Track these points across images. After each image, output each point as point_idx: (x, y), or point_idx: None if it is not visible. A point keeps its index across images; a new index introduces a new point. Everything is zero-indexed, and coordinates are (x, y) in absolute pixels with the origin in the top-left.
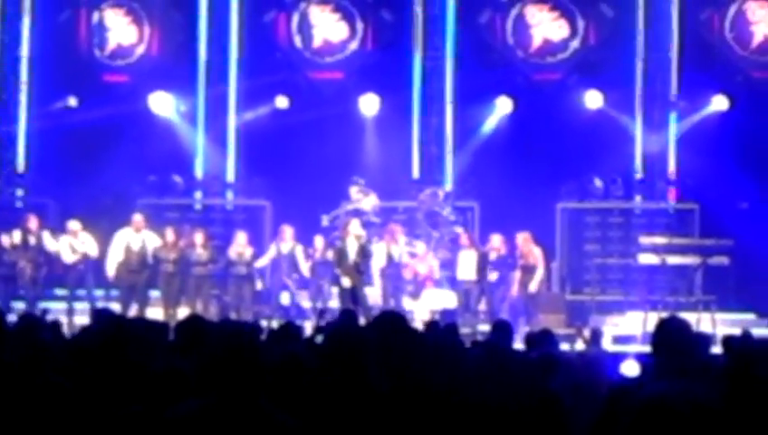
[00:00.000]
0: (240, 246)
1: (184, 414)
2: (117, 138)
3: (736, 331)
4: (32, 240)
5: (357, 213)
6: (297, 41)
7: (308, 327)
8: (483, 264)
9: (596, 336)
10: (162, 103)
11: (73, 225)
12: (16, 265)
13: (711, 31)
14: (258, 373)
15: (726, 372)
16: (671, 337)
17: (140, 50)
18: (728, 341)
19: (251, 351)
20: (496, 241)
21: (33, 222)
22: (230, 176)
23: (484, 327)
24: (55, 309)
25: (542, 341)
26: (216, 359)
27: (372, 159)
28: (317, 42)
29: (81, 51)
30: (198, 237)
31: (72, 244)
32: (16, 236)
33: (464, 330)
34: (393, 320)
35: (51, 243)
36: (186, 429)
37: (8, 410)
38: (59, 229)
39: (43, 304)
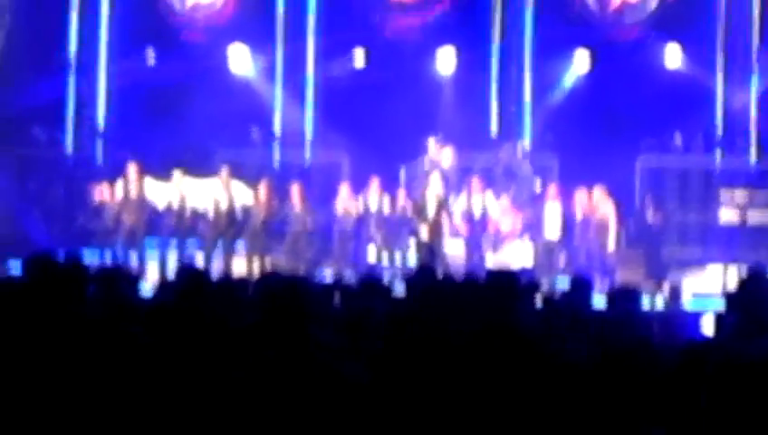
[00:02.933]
0: (345, 200)
1: (247, 372)
2: (195, 94)
3: None
4: (132, 191)
5: (435, 166)
6: None
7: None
8: (568, 220)
9: (675, 293)
10: (240, 59)
11: (177, 175)
12: (119, 217)
13: None
14: (308, 326)
15: None
16: (754, 293)
17: (218, 4)
18: None
19: (309, 304)
20: (581, 197)
21: (133, 170)
22: (308, 131)
23: (563, 284)
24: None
25: (624, 298)
26: (268, 312)
27: (450, 116)
28: None
29: (159, 7)
30: (294, 193)
31: (180, 195)
32: (118, 186)
33: (542, 287)
34: (507, 279)
35: (154, 191)
36: (249, 384)
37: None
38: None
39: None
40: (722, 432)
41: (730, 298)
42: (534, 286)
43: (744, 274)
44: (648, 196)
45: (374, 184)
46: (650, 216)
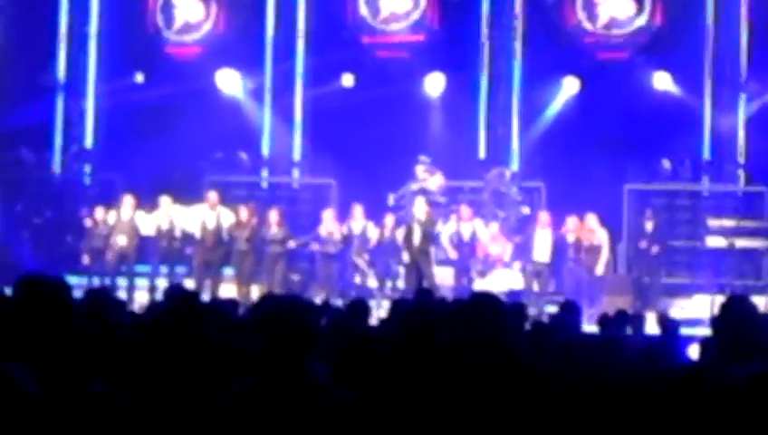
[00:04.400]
0: (330, 223)
1: (239, 391)
2: (183, 115)
3: None
4: (124, 217)
5: (423, 192)
6: (364, 13)
7: (375, 306)
8: (558, 245)
9: (666, 319)
10: (229, 80)
11: (165, 200)
12: (109, 241)
13: None
14: (308, 349)
15: None
16: (736, 318)
17: (207, 27)
18: None
19: (300, 327)
20: (571, 223)
21: (127, 201)
22: (296, 154)
23: (552, 308)
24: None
25: (615, 323)
26: (269, 334)
27: (438, 139)
28: (382, 16)
29: (148, 28)
30: (273, 215)
31: (169, 219)
32: (110, 213)
33: (530, 312)
34: (490, 302)
35: (144, 221)
36: (242, 404)
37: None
38: (150, 206)
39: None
40: None
41: (714, 323)
42: (520, 308)
43: (725, 298)
44: (649, 223)
45: (357, 210)
46: (645, 243)
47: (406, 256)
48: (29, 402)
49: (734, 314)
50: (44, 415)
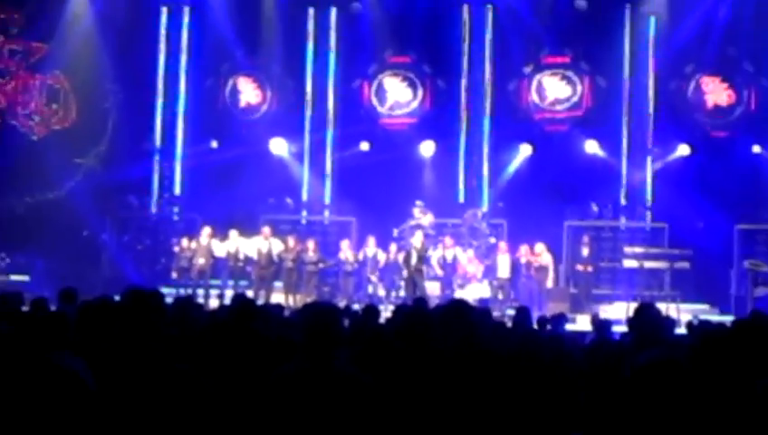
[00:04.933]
0: (345, 251)
1: (282, 373)
2: (245, 171)
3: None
4: (203, 244)
5: (418, 227)
6: (374, 102)
7: (383, 310)
8: (514, 266)
9: (599, 320)
10: (279, 146)
11: (233, 233)
12: (192, 262)
13: (678, 97)
14: (335, 342)
15: (690, 345)
16: (645, 319)
17: (264, 108)
18: (689, 324)
19: (331, 326)
20: (524, 250)
21: (205, 231)
22: (327, 199)
23: (511, 311)
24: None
25: (552, 321)
26: (306, 331)
27: (429, 188)
28: (389, 102)
29: (220, 107)
30: (310, 244)
31: (236, 246)
32: (193, 241)
33: (495, 314)
34: (463, 306)
35: (217, 247)
36: (287, 384)
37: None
38: (222, 236)
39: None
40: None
41: (629, 322)
42: (487, 311)
43: (637, 305)
44: (585, 249)
45: (371, 240)
46: (581, 265)
47: (405, 273)
48: (89, 393)
49: (644, 317)
50: (101, 405)
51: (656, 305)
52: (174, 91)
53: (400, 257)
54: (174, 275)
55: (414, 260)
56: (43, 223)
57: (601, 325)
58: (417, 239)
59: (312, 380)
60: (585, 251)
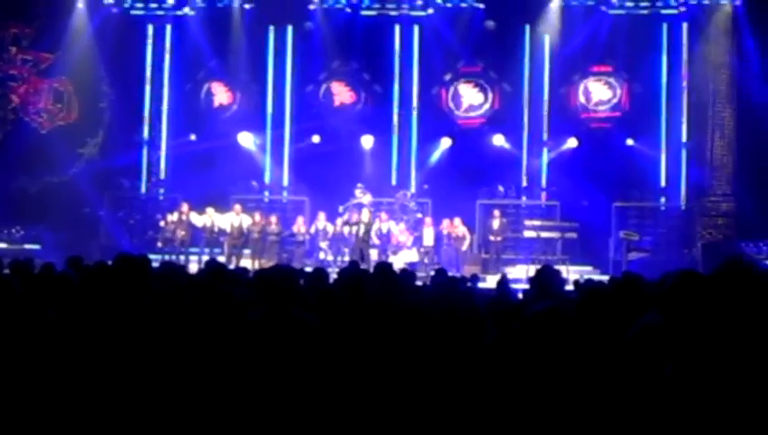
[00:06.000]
0: (299, 225)
1: (253, 318)
2: (219, 159)
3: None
4: (183, 217)
5: (361, 205)
6: (324, 102)
7: (331, 272)
8: (437, 236)
9: (504, 279)
10: (246, 139)
11: (209, 210)
12: (174, 233)
13: (568, 98)
14: (294, 295)
15: (577, 299)
16: (545, 275)
17: (234, 107)
18: (576, 282)
19: (289, 282)
20: (445, 223)
21: (185, 207)
22: (285, 181)
23: (433, 273)
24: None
25: (468, 280)
26: (272, 286)
27: (369, 173)
28: (337, 103)
29: (199, 107)
30: (273, 219)
31: (211, 220)
32: (175, 215)
33: (420, 274)
34: (387, 267)
35: (195, 219)
36: (255, 326)
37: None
38: (199, 212)
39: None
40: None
41: (531, 280)
42: (411, 273)
43: (541, 266)
44: (496, 222)
45: (321, 215)
46: (492, 236)
47: (356, 243)
48: (56, 334)
49: (544, 274)
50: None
51: (553, 266)
52: (159, 94)
53: (345, 230)
54: (160, 244)
55: (361, 232)
56: (52, 201)
57: (504, 283)
58: (364, 215)
59: (274, 323)
60: (495, 224)
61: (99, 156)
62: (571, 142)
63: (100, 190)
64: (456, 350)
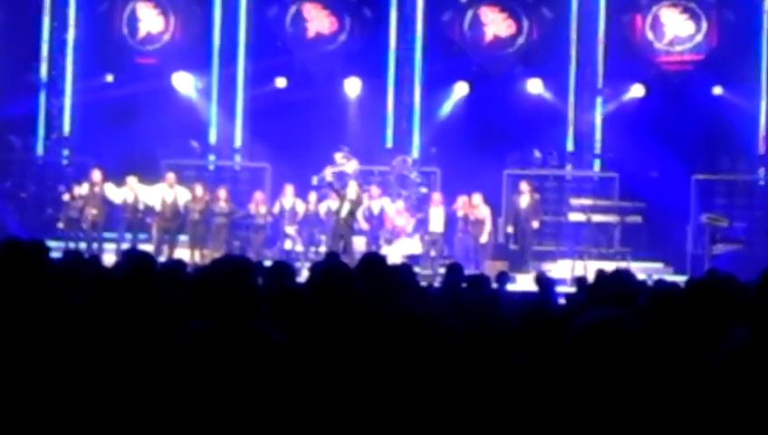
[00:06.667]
0: (258, 202)
1: (194, 331)
2: (145, 110)
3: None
4: (96, 190)
5: (342, 175)
6: (291, 31)
7: (300, 267)
8: (449, 219)
9: (543, 278)
10: (183, 81)
11: (131, 180)
12: (83, 211)
13: (632, 29)
14: (253, 300)
15: (642, 307)
16: (610, 286)
17: (166, 37)
18: (642, 285)
19: (248, 282)
20: (461, 201)
21: (97, 175)
22: (238, 142)
23: (443, 270)
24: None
25: (480, 282)
26: (221, 288)
27: (354, 131)
28: (311, 33)
29: (116, 36)
30: (222, 193)
31: (134, 195)
32: (84, 187)
33: (425, 271)
34: (378, 261)
35: (113, 193)
36: (196, 343)
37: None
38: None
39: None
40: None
41: (578, 282)
42: (409, 268)
43: (602, 268)
44: (521, 199)
45: (289, 189)
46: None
47: (335, 227)
48: None
49: (608, 283)
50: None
51: (631, 272)
52: (62, 17)
53: (321, 209)
54: (62, 225)
55: (344, 213)
56: None
57: (546, 284)
58: (351, 189)
59: (226, 339)
60: (523, 201)
61: None
62: (636, 91)
63: None
64: (476, 377)
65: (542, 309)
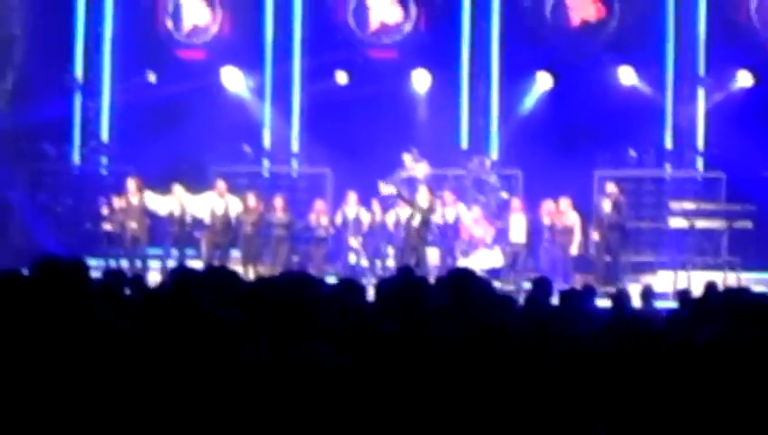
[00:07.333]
0: (318, 212)
1: (250, 355)
2: (191, 111)
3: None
4: (133, 201)
5: (412, 180)
6: (352, 22)
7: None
8: (533, 228)
9: (647, 293)
10: (233, 79)
11: (178, 189)
12: (123, 225)
13: (737, 10)
14: (312, 322)
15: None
16: (713, 301)
17: (213, 30)
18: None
19: (305, 300)
20: (546, 207)
21: (131, 185)
22: (294, 145)
23: (528, 284)
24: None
25: (572, 297)
26: (278, 307)
27: (424, 131)
28: (374, 24)
29: (159, 30)
30: (278, 202)
31: (180, 206)
32: (124, 198)
33: (508, 287)
34: (466, 276)
35: (155, 203)
36: (251, 369)
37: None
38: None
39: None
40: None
41: (687, 299)
42: (488, 283)
43: (707, 284)
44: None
45: (352, 197)
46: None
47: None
48: None
49: (713, 298)
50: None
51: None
52: (98, 9)
53: (389, 219)
54: (103, 243)
55: (415, 223)
56: None
57: (648, 297)
58: (422, 197)
59: (281, 365)
60: (607, 205)
61: (7, 109)
62: (743, 79)
63: (9, 161)
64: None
65: (640, 325)
